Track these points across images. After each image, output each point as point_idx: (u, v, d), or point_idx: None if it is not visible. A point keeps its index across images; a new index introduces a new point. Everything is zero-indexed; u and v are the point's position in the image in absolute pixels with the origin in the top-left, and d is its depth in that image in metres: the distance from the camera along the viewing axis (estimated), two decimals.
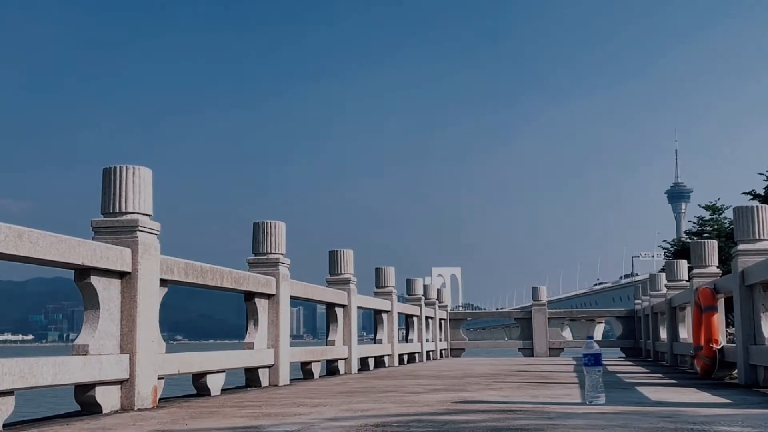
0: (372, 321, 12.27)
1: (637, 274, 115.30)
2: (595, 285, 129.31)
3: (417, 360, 14.27)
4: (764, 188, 18.70)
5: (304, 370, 8.50)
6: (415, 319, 14.53)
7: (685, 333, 10.78)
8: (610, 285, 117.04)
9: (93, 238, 4.84)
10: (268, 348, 7.11)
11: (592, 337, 4.81)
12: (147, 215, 5.01)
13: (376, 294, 12.23)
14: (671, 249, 23.68)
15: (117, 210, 4.89)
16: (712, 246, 8.88)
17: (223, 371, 6.18)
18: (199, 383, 5.95)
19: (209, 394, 5.92)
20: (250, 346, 6.89)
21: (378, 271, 12.49)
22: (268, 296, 7.24)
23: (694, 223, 22.25)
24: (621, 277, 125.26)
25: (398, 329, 13.15)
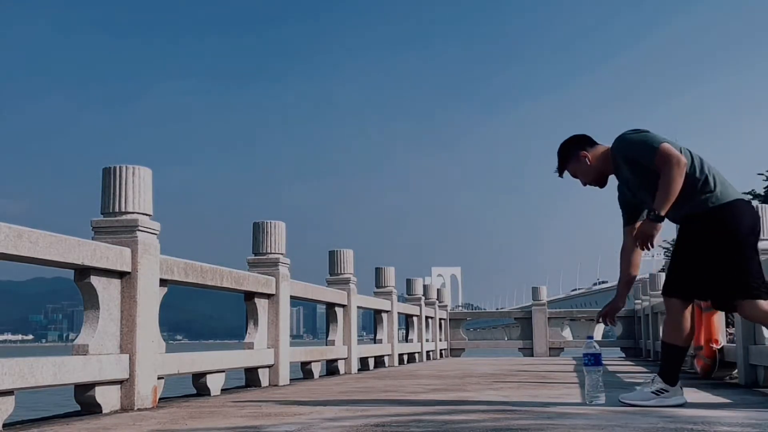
0: (372, 321, 12.26)
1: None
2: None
3: (417, 360, 14.26)
4: (764, 188, 18.72)
5: (304, 370, 8.50)
6: (415, 319, 14.52)
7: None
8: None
9: (93, 238, 4.84)
10: (268, 348, 7.11)
11: (592, 337, 4.80)
12: (147, 215, 5.01)
13: (376, 294, 12.22)
14: (671, 249, 23.69)
15: (117, 210, 4.88)
16: None
17: (223, 371, 6.18)
18: (199, 383, 5.95)
19: (209, 394, 5.92)
20: (250, 346, 6.89)
21: (378, 271, 12.48)
22: (268, 296, 7.23)
23: None
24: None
25: (398, 329, 13.14)
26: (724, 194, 4.36)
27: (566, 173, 4.78)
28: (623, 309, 17.87)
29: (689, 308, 4.49)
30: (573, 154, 4.70)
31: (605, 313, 4.73)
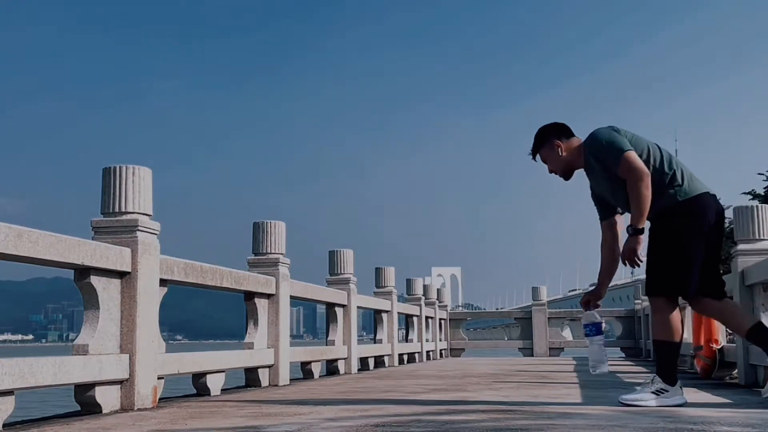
0: (372, 321, 12.26)
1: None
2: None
3: (417, 360, 14.26)
4: (764, 188, 18.72)
5: (304, 370, 8.50)
6: (415, 318, 14.52)
7: (685, 333, 10.77)
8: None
9: (93, 238, 4.84)
10: (268, 348, 7.11)
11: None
12: (147, 215, 5.01)
13: (376, 294, 12.21)
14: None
15: (117, 210, 4.88)
16: None
17: (223, 371, 6.18)
18: (199, 383, 5.95)
19: (209, 394, 5.91)
20: (250, 346, 6.89)
21: (378, 271, 12.47)
22: (268, 296, 7.23)
23: None
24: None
25: (398, 329, 13.13)
26: (692, 188, 4.49)
27: (538, 157, 4.85)
28: (623, 309, 18.00)
29: (676, 303, 4.55)
30: (548, 140, 4.77)
31: (587, 300, 4.82)
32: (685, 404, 4.44)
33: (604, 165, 4.55)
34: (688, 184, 4.48)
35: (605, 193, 4.72)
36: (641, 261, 4.45)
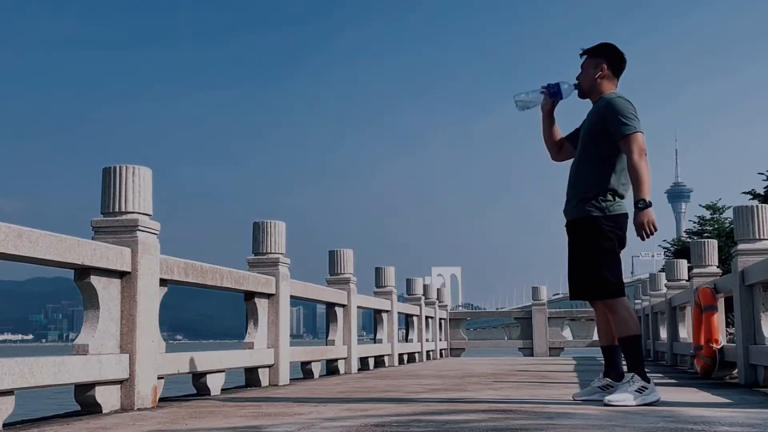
0: (372, 321, 12.27)
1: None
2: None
3: (417, 360, 14.26)
4: (764, 188, 18.70)
5: (304, 370, 8.50)
6: (415, 318, 14.52)
7: (685, 333, 10.77)
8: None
9: (93, 238, 4.84)
10: (268, 348, 7.11)
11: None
12: (147, 215, 5.01)
13: (376, 294, 12.21)
14: (671, 249, 23.69)
15: (117, 210, 4.88)
16: (712, 246, 8.87)
17: (223, 371, 6.18)
18: (199, 383, 5.95)
19: (209, 394, 5.92)
20: (250, 345, 6.89)
21: (378, 271, 12.47)
22: (268, 296, 7.23)
23: (694, 222, 22.28)
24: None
25: (398, 329, 13.13)
26: (623, 206, 4.74)
27: (583, 57, 4.97)
28: None
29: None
30: (601, 57, 4.92)
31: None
32: (659, 401, 4.54)
33: (603, 125, 4.70)
34: (621, 202, 4.73)
35: (582, 139, 4.88)
36: (656, 228, 4.56)
